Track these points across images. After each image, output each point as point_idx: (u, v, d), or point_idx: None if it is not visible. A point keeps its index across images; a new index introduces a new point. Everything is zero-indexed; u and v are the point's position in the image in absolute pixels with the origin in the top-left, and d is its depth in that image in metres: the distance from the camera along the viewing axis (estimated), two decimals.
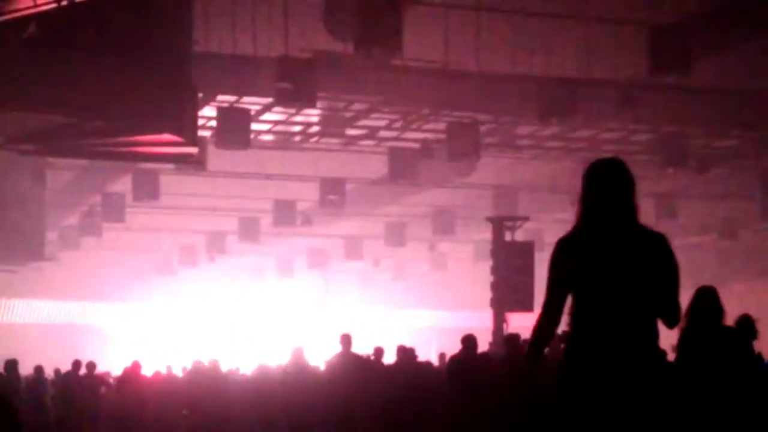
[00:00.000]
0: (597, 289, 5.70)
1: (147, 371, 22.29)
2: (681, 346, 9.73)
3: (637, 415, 5.56)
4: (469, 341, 16.89)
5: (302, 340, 20.23)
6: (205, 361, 21.36)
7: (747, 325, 11.47)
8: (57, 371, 23.37)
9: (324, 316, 46.19)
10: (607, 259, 5.71)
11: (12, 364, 21.33)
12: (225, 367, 22.25)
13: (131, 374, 20.81)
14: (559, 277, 5.81)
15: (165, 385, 21.50)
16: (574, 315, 5.75)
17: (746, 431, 9.61)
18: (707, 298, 9.58)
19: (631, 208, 5.86)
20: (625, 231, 5.80)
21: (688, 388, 9.32)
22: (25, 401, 19.69)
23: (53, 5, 14.35)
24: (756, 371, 10.98)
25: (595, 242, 5.78)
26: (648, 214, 29.58)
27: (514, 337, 17.27)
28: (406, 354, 18.40)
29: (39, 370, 21.83)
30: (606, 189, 5.87)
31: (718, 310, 9.62)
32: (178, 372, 23.62)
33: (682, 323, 9.40)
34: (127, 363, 21.61)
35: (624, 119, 24.71)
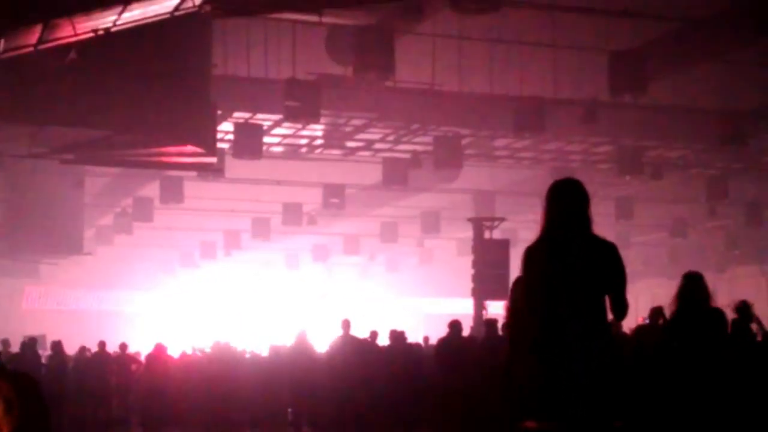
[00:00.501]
0: (558, 291, 5.89)
1: (171, 352, 22.21)
2: (669, 327, 9.67)
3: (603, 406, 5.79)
4: (455, 326, 16.95)
5: (307, 324, 20.10)
6: (222, 343, 21.33)
7: (743, 309, 11.54)
8: (83, 348, 23.10)
9: (326, 303, 46.13)
10: (566, 265, 5.91)
11: (30, 343, 21.00)
12: (240, 349, 22.19)
13: (158, 354, 20.76)
14: (527, 280, 6.04)
15: (188, 364, 21.44)
16: (540, 315, 5.93)
17: (731, 406, 9.57)
18: (691, 283, 9.42)
19: (586, 222, 6.08)
20: (580, 241, 6.01)
21: (677, 365, 9.27)
22: (45, 376, 19.33)
23: (90, 34, 14.33)
24: (747, 349, 11.03)
25: (556, 251, 5.98)
26: (609, 215, 29.83)
27: (492, 321, 17.34)
28: (397, 337, 18.40)
29: (57, 345, 21.17)
30: (564, 205, 6.11)
31: (703, 293, 9.45)
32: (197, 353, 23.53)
33: (672, 306, 9.44)
34: (152, 345, 21.53)
35: (587, 133, 24.71)
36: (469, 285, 24.35)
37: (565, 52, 19.82)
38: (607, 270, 5.93)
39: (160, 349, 20.97)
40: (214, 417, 18.85)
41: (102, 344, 21.86)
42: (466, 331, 19.63)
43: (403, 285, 48.41)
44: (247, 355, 21.99)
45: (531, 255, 6.04)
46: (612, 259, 5.97)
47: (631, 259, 38.65)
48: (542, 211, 6.17)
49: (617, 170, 26.03)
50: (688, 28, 19.13)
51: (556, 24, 18.35)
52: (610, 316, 5.98)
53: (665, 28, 19.18)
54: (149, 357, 21.04)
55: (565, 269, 5.90)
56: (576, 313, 5.84)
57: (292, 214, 33.24)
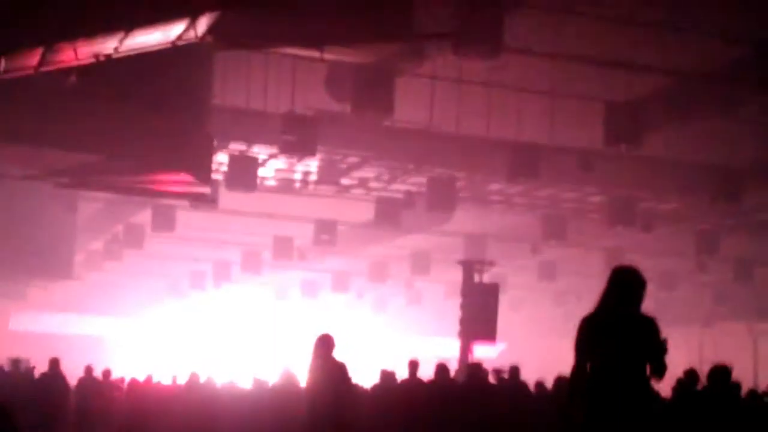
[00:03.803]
0: (602, 359, 7.33)
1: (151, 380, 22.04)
2: None
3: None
4: (441, 369, 16.76)
5: (292, 359, 19.93)
6: (203, 374, 21.12)
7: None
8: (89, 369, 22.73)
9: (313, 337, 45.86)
10: (615, 336, 7.32)
11: (16, 363, 20.76)
12: (222, 381, 21.98)
13: (140, 383, 20.62)
14: (581, 347, 7.42)
15: (168, 394, 21.26)
16: (590, 377, 7.38)
17: None
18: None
19: (636, 302, 7.44)
20: (629, 318, 7.38)
21: None
22: (31, 397, 19.05)
23: (92, 59, 14.33)
24: None
25: (607, 323, 7.39)
26: (599, 264, 29.73)
27: (475, 366, 17.31)
28: (388, 377, 18.06)
29: (54, 363, 20.72)
30: (621, 289, 7.47)
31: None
32: (178, 382, 23.30)
33: None
34: (132, 372, 21.33)
35: (581, 182, 24.75)
36: (456, 327, 24.30)
37: (563, 101, 19.90)
38: (648, 340, 7.32)
39: (145, 379, 20.83)
40: None
41: (89, 369, 21.52)
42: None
43: (390, 324, 48.28)
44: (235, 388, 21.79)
45: (587, 324, 7.44)
46: (652, 331, 7.34)
47: None
48: (603, 288, 7.53)
49: (608, 220, 26.04)
50: (687, 82, 19.20)
51: (555, 72, 18.43)
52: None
53: (663, 82, 19.26)
54: (130, 386, 20.90)
55: (614, 338, 7.28)
56: (623, 374, 7.27)
57: (283, 248, 33.19)
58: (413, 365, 16.95)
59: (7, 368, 21.22)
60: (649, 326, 7.33)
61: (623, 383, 7.23)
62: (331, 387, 12.60)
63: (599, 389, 7.27)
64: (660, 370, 7.29)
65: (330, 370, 12.67)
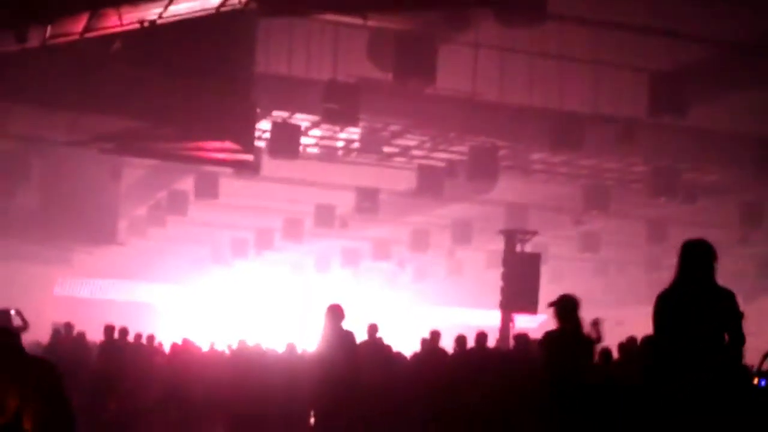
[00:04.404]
0: (686, 329, 7.42)
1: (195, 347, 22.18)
2: None
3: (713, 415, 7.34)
4: (481, 337, 16.79)
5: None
6: (248, 341, 21.30)
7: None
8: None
9: (353, 307, 46.04)
10: (692, 309, 7.43)
11: (68, 328, 20.90)
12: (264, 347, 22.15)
13: (182, 348, 20.75)
14: (660, 322, 7.56)
15: (212, 360, 21.42)
16: (665, 350, 7.56)
17: None
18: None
19: (711, 274, 7.56)
20: (704, 289, 7.50)
21: None
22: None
23: (136, 26, 14.42)
24: None
25: (684, 297, 7.51)
26: (641, 234, 29.64)
27: (523, 336, 17.25)
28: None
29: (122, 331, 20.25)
30: (694, 260, 7.61)
31: None
32: (222, 349, 23.47)
33: None
34: (176, 338, 21.49)
35: (624, 152, 24.60)
36: (497, 297, 24.29)
37: (607, 70, 19.77)
38: (725, 312, 7.42)
39: (185, 344, 20.96)
40: (239, 415, 18.82)
41: (123, 331, 21.02)
42: (491, 344, 19.57)
43: (431, 294, 48.34)
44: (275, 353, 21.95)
45: (664, 298, 7.57)
46: (729, 303, 7.44)
47: (661, 281, 38.46)
48: (676, 263, 7.67)
49: (651, 191, 25.88)
50: (732, 52, 19.02)
51: (599, 40, 18.30)
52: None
53: (708, 52, 19.09)
54: (172, 351, 21.04)
55: (691, 311, 7.42)
56: (701, 346, 7.39)
57: (325, 216, 33.26)
58: (435, 335, 17.22)
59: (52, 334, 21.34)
60: (727, 298, 7.45)
61: (703, 355, 7.37)
62: (342, 353, 13.42)
63: (680, 362, 7.42)
64: (739, 341, 7.42)
65: (341, 337, 13.57)
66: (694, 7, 17.02)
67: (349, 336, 13.85)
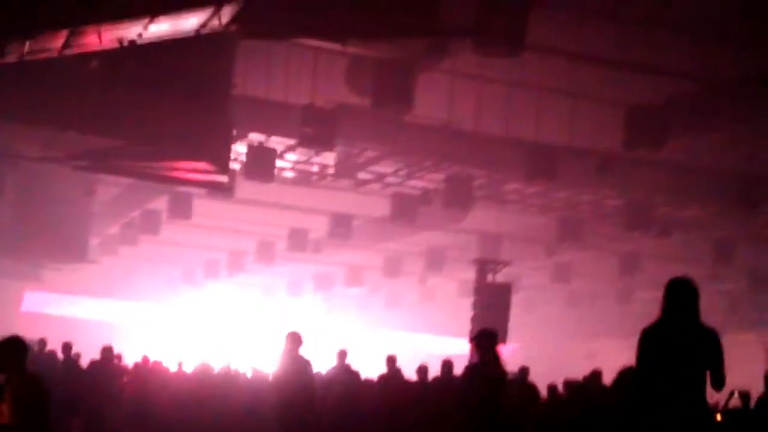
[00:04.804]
0: (668, 367, 7.55)
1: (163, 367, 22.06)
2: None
3: None
4: (446, 365, 16.94)
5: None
6: (214, 363, 21.26)
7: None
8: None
9: (324, 333, 45.99)
10: (676, 347, 7.58)
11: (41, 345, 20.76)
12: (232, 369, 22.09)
13: (149, 368, 20.65)
14: (643, 356, 7.66)
15: (178, 381, 21.32)
16: (648, 383, 7.63)
17: None
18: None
19: (695, 313, 7.69)
20: (689, 328, 7.64)
21: None
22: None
23: (116, 45, 14.44)
24: None
25: (669, 334, 7.64)
26: (613, 267, 29.72)
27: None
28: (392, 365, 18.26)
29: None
30: (679, 299, 7.74)
31: None
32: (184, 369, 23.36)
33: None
34: (143, 357, 21.40)
35: (599, 185, 24.73)
36: (467, 326, 24.32)
37: (584, 102, 19.91)
38: (709, 351, 7.55)
39: (153, 364, 20.84)
40: None
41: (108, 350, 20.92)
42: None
43: (402, 320, 48.30)
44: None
45: (648, 334, 7.69)
46: (714, 343, 7.58)
47: (633, 313, 38.59)
48: (662, 300, 7.77)
49: (626, 225, 26.02)
50: (707, 88, 19.19)
51: (577, 73, 18.44)
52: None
53: (684, 87, 19.23)
54: (136, 371, 20.91)
55: (675, 349, 7.56)
56: (682, 384, 7.51)
57: (298, 240, 33.26)
58: (390, 361, 17.45)
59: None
60: (711, 337, 7.60)
61: (684, 393, 7.50)
62: (297, 379, 14.21)
63: (660, 398, 7.55)
64: (720, 381, 7.55)
65: (297, 364, 14.35)
66: (670, 42, 17.18)
67: (305, 363, 14.51)
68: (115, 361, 21.51)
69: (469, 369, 11.72)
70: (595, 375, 18.61)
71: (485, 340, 11.57)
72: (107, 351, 19.82)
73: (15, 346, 7.63)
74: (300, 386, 14.28)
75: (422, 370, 17.68)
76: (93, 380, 19.70)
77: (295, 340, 14.66)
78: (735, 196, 23.38)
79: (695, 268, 32.38)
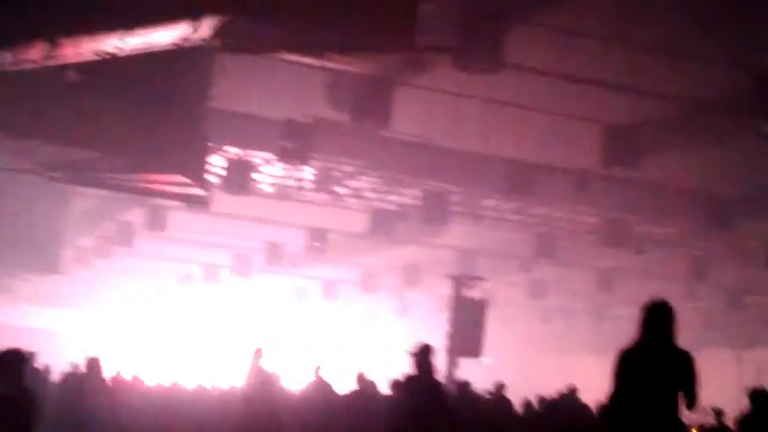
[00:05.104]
0: (643, 387, 7.78)
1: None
2: None
3: None
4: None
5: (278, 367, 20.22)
6: (187, 377, 21.31)
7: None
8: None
9: (301, 347, 45.92)
10: (651, 368, 7.82)
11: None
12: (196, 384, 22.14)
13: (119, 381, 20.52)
14: (619, 376, 7.90)
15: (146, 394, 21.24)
16: (625, 403, 7.84)
17: None
18: None
19: (671, 335, 7.95)
20: (665, 350, 7.90)
21: None
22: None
23: (93, 56, 14.38)
24: None
25: (645, 355, 7.89)
26: (589, 284, 29.88)
27: (465, 384, 17.52)
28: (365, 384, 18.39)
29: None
30: (655, 321, 7.98)
31: None
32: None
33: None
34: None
35: (575, 202, 24.83)
36: (443, 341, 24.35)
37: (562, 120, 19.97)
38: (683, 373, 7.81)
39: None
40: None
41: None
42: None
43: (377, 335, 48.31)
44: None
45: (625, 355, 7.94)
46: (688, 365, 7.85)
47: (607, 330, 38.71)
48: (638, 322, 7.99)
49: (602, 242, 26.12)
50: (686, 108, 19.31)
51: (555, 91, 18.50)
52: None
53: (663, 107, 19.35)
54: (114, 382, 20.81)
55: (651, 370, 7.81)
56: (656, 404, 7.73)
57: (274, 253, 33.24)
58: (361, 378, 17.69)
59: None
60: (685, 359, 7.86)
61: (659, 413, 7.74)
62: (262, 392, 14.89)
63: (634, 418, 7.76)
64: (693, 402, 7.83)
65: (262, 378, 15.03)
66: (649, 62, 17.27)
67: (271, 377, 15.28)
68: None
69: (406, 380, 12.36)
70: (571, 392, 18.75)
71: (422, 353, 12.20)
72: (94, 363, 19.42)
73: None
74: (265, 399, 14.67)
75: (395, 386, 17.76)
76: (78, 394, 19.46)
77: (261, 354, 15.31)
78: (709, 215, 23.53)
79: (671, 285, 32.66)
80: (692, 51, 16.65)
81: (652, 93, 18.55)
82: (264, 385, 14.88)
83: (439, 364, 24.17)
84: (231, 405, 17.58)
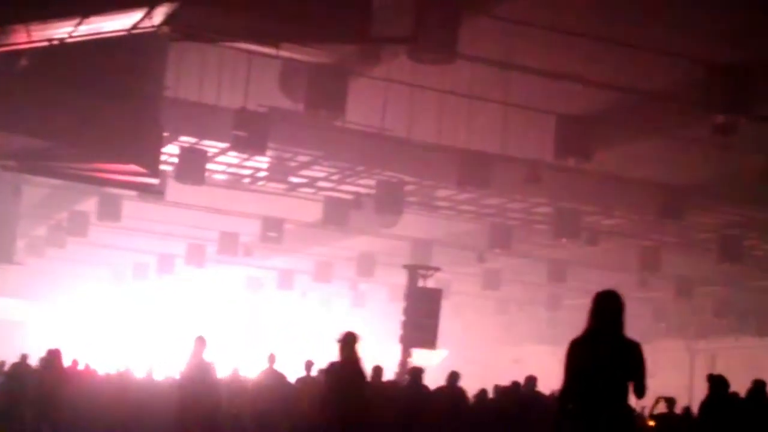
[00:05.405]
0: (594, 377, 7.95)
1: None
2: None
3: None
4: (377, 371, 17.09)
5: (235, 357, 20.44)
6: (139, 366, 21.31)
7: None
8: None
9: (255, 337, 45.82)
10: (601, 359, 7.97)
11: None
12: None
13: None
14: (571, 366, 8.08)
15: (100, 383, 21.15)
16: (577, 392, 8.03)
17: None
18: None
19: (619, 325, 8.07)
20: (613, 340, 8.05)
21: None
22: None
23: (45, 43, 14.24)
24: None
25: (594, 346, 8.04)
26: (542, 274, 30.07)
27: (417, 369, 17.58)
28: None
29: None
30: (604, 312, 8.10)
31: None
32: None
33: None
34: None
35: (528, 193, 24.93)
36: (398, 331, 24.40)
37: (515, 111, 20.01)
38: (632, 363, 8.00)
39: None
40: None
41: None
42: (389, 377, 19.74)
43: (334, 325, 48.27)
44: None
45: (576, 346, 8.11)
46: (637, 355, 8.04)
47: (560, 320, 38.94)
48: (588, 313, 8.14)
49: (554, 232, 26.25)
50: (638, 99, 19.41)
51: (509, 82, 18.54)
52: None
53: (615, 98, 19.44)
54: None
55: (601, 361, 7.96)
56: (607, 394, 7.91)
57: (229, 243, 33.13)
58: (308, 365, 17.98)
59: None
60: (634, 349, 8.04)
61: (609, 401, 7.93)
62: (201, 380, 15.05)
63: (585, 407, 7.96)
64: (642, 391, 8.02)
65: (201, 367, 15.19)
66: (602, 53, 17.34)
67: (208, 367, 15.37)
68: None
69: (331, 366, 12.82)
70: (530, 381, 18.86)
71: (347, 340, 12.68)
72: (54, 354, 19.31)
73: None
74: (203, 388, 15.03)
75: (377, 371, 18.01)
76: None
77: (200, 343, 15.37)
78: (661, 206, 23.70)
79: (622, 275, 32.94)
80: (645, 42, 16.73)
81: (605, 84, 18.64)
82: (201, 374, 15.07)
83: (395, 354, 24.34)
84: (173, 393, 17.63)
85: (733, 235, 27.17)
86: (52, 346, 19.68)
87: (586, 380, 8.02)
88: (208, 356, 15.38)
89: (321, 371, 14.19)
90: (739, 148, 20.52)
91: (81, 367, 22.61)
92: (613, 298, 8.18)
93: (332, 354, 12.87)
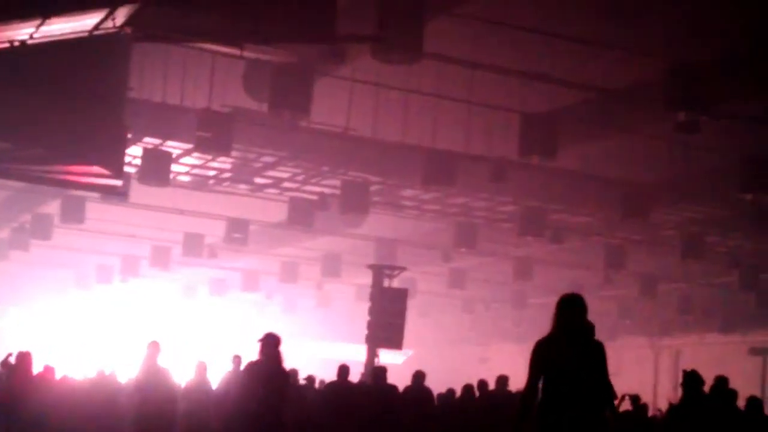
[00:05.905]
0: (560, 377, 8.20)
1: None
2: None
3: None
4: (343, 370, 17.14)
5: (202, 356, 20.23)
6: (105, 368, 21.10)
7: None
8: None
9: (220, 337, 45.64)
10: (566, 358, 8.21)
11: None
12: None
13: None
14: (536, 367, 8.32)
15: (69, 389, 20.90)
16: (544, 392, 8.27)
17: None
18: None
19: (583, 326, 8.41)
20: (578, 340, 8.34)
21: None
22: None
23: (6, 44, 14.11)
24: None
25: (560, 347, 8.29)
26: (508, 273, 30.14)
27: (380, 369, 17.57)
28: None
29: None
30: (568, 314, 8.38)
31: None
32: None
33: None
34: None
35: (493, 191, 24.96)
36: (364, 331, 24.38)
37: (479, 110, 20.05)
38: (595, 362, 8.31)
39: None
40: None
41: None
42: (355, 378, 19.73)
43: (299, 326, 48.19)
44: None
45: (541, 347, 8.35)
46: (600, 354, 8.37)
47: (526, 318, 39.06)
48: (553, 315, 8.43)
49: (519, 230, 26.31)
50: (601, 98, 19.49)
51: (473, 81, 18.55)
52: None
53: (579, 96, 19.52)
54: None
55: (564, 360, 8.21)
56: (573, 392, 8.16)
57: (193, 245, 32.97)
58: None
59: None
60: (597, 349, 8.40)
61: (576, 400, 8.18)
62: (155, 385, 15.19)
63: (551, 407, 8.21)
64: (607, 390, 8.39)
65: (155, 373, 15.31)
66: (566, 52, 17.40)
67: (162, 372, 15.46)
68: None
69: (250, 365, 13.10)
70: (502, 380, 18.89)
71: (268, 341, 12.89)
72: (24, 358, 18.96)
73: None
74: (158, 393, 15.11)
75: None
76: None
77: (154, 349, 15.39)
78: (625, 204, 23.80)
79: (587, 273, 33.14)
80: (608, 40, 16.81)
81: (569, 82, 18.71)
82: (155, 379, 15.09)
83: (360, 353, 24.31)
84: (129, 397, 17.55)
85: (696, 232, 27.36)
86: (16, 350, 19.42)
87: (552, 380, 8.24)
88: (162, 361, 15.38)
89: (242, 370, 14.30)
90: (702, 146, 20.66)
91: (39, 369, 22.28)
92: (577, 300, 8.46)
93: (296, 355, 12.99)
